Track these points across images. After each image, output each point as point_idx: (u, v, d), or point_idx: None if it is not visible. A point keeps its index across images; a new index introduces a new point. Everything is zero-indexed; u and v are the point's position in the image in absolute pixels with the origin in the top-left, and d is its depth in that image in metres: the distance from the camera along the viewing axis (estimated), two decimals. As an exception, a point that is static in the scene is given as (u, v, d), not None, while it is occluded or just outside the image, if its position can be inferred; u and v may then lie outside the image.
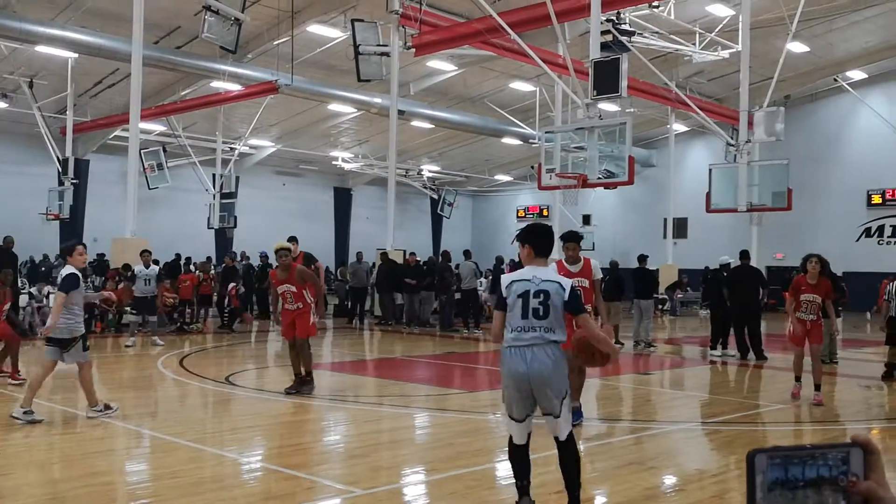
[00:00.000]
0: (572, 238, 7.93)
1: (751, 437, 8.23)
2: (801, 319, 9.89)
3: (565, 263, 7.75)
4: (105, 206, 28.86)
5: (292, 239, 14.86)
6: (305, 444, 7.52)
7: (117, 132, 28.76)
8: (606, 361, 5.21)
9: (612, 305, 17.10)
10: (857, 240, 31.88)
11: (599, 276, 7.89)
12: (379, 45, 20.81)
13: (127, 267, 17.66)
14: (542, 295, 4.78)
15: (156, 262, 17.02)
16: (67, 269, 8.09)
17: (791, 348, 10.36)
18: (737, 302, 14.66)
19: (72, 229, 29.70)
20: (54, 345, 8.02)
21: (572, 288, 4.91)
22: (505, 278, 5.01)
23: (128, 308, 17.63)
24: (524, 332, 4.78)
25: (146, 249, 15.87)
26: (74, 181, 26.63)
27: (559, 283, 4.88)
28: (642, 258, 16.94)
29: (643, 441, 7.88)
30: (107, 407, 8.21)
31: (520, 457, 4.94)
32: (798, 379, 10.17)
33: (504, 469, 6.81)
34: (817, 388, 9.83)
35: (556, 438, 4.89)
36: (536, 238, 5.05)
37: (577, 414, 7.82)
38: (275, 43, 22.65)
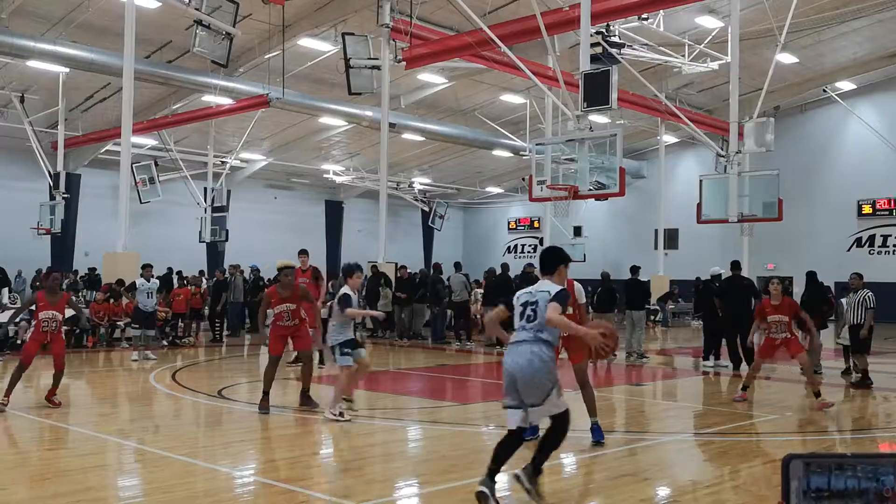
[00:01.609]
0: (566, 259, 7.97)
1: (744, 448, 8.24)
2: (771, 338, 10.44)
3: None
4: (96, 221, 28.78)
5: (303, 252, 14.89)
6: (298, 458, 7.49)
7: (109, 146, 28.74)
8: (601, 350, 5.60)
9: (605, 317, 17.14)
10: (849, 250, 32.03)
11: (583, 300, 8.03)
12: (369, 59, 20.88)
13: (121, 282, 17.64)
14: (535, 303, 5.55)
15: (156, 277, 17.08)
16: (345, 290, 9.25)
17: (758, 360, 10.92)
18: (729, 312, 14.68)
19: (63, 244, 29.64)
20: (346, 355, 9.20)
21: (559, 290, 5.55)
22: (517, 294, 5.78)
23: (124, 323, 17.62)
24: (518, 333, 5.57)
25: (148, 264, 15.93)
26: (66, 195, 26.57)
27: (548, 290, 5.56)
28: (634, 269, 16.99)
29: (637, 453, 7.88)
30: (341, 415, 8.99)
31: (504, 442, 5.56)
32: (745, 388, 10.89)
33: (499, 481, 6.81)
34: (816, 395, 10.14)
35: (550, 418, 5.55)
36: (540, 259, 6.01)
37: (597, 431, 7.90)
38: (266, 57, 22.70)
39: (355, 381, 9.90)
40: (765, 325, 10.57)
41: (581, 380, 7.96)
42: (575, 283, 7.78)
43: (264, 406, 9.41)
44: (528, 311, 5.52)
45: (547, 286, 5.59)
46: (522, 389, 5.40)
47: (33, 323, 9.96)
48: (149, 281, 15.59)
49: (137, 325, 15.66)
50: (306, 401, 9.79)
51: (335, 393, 9.19)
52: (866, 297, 12.37)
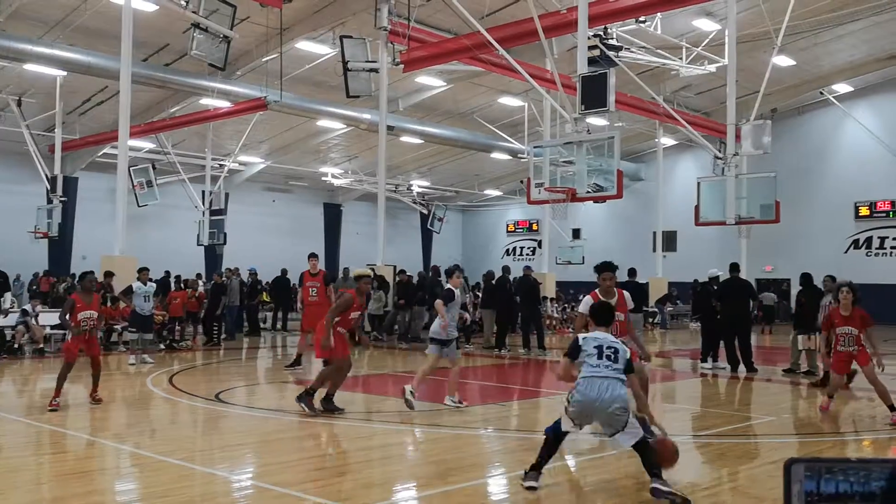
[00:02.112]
0: (608, 268, 8.19)
1: (742, 450, 8.24)
2: (840, 352, 9.73)
3: (600, 296, 8.00)
4: (94, 224, 28.77)
5: (313, 255, 14.97)
6: (296, 461, 7.47)
7: (106, 150, 28.72)
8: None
9: None
10: (846, 252, 32.06)
11: (632, 306, 8.33)
12: (367, 62, 20.88)
13: (109, 274, 17.51)
14: (614, 348, 6.19)
15: (152, 280, 17.05)
16: (448, 286, 10.33)
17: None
18: (728, 314, 14.68)
19: (61, 247, 29.61)
20: (436, 344, 10.16)
21: (629, 359, 6.22)
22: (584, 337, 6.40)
23: (121, 326, 17.58)
24: (600, 369, 6.09)
25: (144, 267, 15.87)
26: (63, 199, 26.54)
27: (625, 348, 6.32)
28: (632, 272, 16.96)
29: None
30: (461, 401, 10.14)
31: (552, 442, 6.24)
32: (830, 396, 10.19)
33: (495, 484, 6.80)
34: (891, 407, 9.48)
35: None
36: (600, 313, 6.66)
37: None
38: (264, 60, 22.71)
39: (456, 379, 10.62)
40: (833, 336, 9.80)
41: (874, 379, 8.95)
42: (624, 291, 8.35)
43: (311, 406, 9.49)
44: (608, 352, 6.14)
45: (617, 341, 6.33)
46: (603, 419, 6.04)
47: (71, 324, 10.17)
48: (146, 284, 15.56)
49: (135, 329, 15.60)
50: (329, 406, 9.67)
51: (451, 384, 10.41)
52: None
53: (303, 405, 9.42)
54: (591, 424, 6.32)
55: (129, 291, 16.00)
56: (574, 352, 6.23)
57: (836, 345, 9.75)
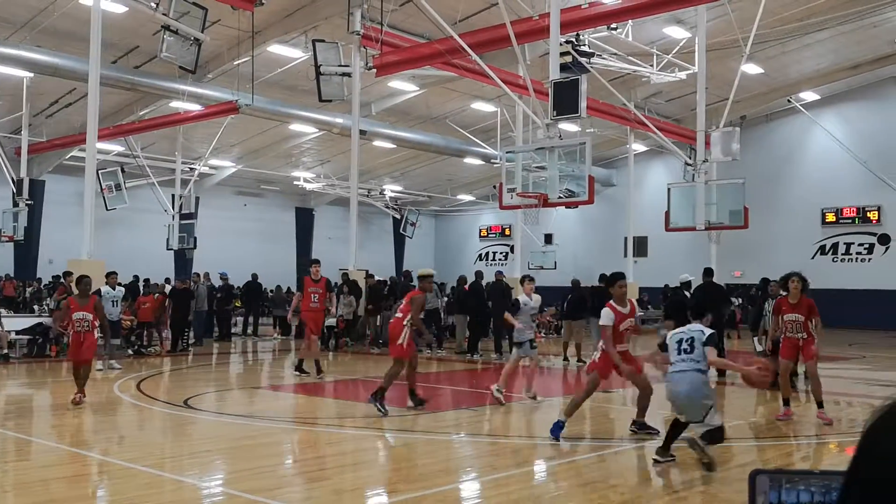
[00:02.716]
0: (622, 276, 8.69)
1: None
2: (789, 338, 10.07)
3: (616, 306, 8.40)
4: (61, 228, 28.36)
5: (316, 262, 14.96)
6: (266, 468, 7.41)
7: (74, 152, 28.35)
8: (760, 384, 7.55)
9: (576, 324, 17.23)
10: (813, 257, 32.50)
11: (641, 312, 8.80)
12: (340, 66, 20.81)
13: (68, 274, 17.25)
14: (690, 339, 7.02)
15: (121, 285, 16.84)
16: (520, 297, 11.81)
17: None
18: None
19: (27, 251, 29.17)
20: (516, 346, 11.57)
21: (711, 333, 7.07)
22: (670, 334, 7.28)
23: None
24: (678, 364, 6.98)
25: (112, 271, 15.68)
26: (29, 202, 26.15)
27: (701, 330, 7.07)
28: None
29: (605, 459, 7.91)
30: (535, 396, 11.31)
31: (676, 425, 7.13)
32: (787, 403, 10.25)
33: (467, 489, 6.79)
34: (819, 405, 9.93)
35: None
36: (685, 307, 7.79)
37: (556, 429, 8.38)
38: (235, 63, 22.54)
39: (532, 378, 11.73)
40: (782, 324, 10.09)
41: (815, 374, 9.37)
42: (634, 301, 8.78)
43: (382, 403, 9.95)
44: (685, 346, 6.92)
45: (698, 328, 7.07)
46: (685, 410, 6.82)
47: (66, 325, 10.82)
48: (114, 289, 15.38)
49: (102, 335, 15.36)
50: (416, 400, 10.67)
51: (528, 380, 11.60)
52: None
53: (377, 405, 9.84)
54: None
55: (97, 295, 15.76)
56: (664, 347, 7.20)
57: (784, 332, 10.02)
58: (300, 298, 15.04)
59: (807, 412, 10.60)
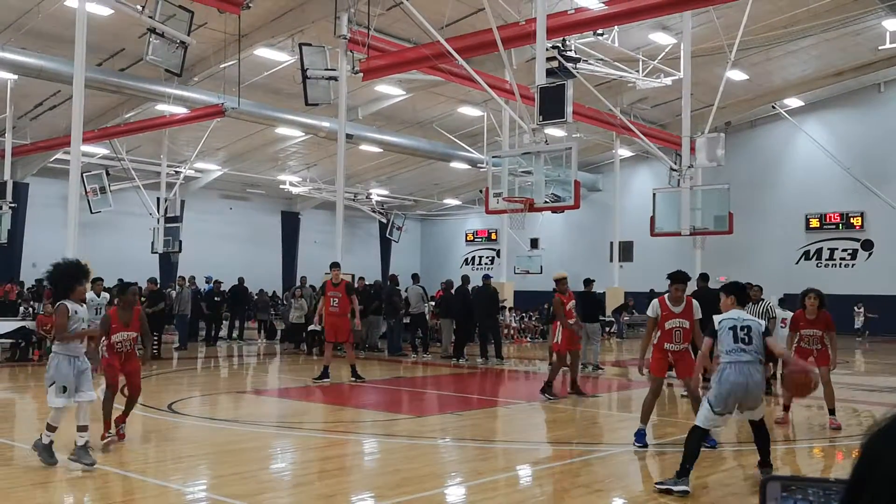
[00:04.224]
0: (680, 279, 8.49)
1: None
2: (803, 348, 10.08)
3: (668, 303, 8.37)
4: (45, 231, 28.17)
5: (336, 265, 14.67)
6: (250, 473, 7.38)
7: (58, 155, 28.18)
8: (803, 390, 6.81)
9: (591, 327, 17.03)
10: (797, 263, 32.73)
11: (699, 316, 8.46)
12: (327, 70, 20.79)
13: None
14: (747, 328, 6.70)
15: (107, 290, 16.38)
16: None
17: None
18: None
19: (10, 254, 28.95)
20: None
21: (766, 326, 6.98)
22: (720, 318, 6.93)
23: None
24: (738, 354, 6.62)
25: (98, 277, 14.81)
26: (13, 205, 25.98)
27: (758, 322, 6.92)
28: (588, 282, 17.07)
29: (591, 464, 7.92)
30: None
31: (695, 439, 6.67)
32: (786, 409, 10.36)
33: (452, 494, 6.78)
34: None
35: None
36: (734, 289, 7.23)
37: (639, 436, 8.33)
38: (221, 66, 22.46)
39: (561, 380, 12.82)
40: (798, 339, 10.12)
41: (693, 395, 8.34)
42: (693, 301, 8.57)
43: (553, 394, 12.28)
44: (742, 335, 6.63)
45: (751, 317, 6.93)
46: (747, 399, 6.63)
47: (105, 344, 8.57)
48: (99, 296, 14.63)
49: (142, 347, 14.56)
50: (576, 390, 12.50)
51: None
52: (768, 307, 12.56)
53: (546, 395, 12.09)
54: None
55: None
56: (714, 332, 6.86)
57: (798, 343, 10.06)
58: (322, 303, 14.84)
59: (795, 416, 10.66)
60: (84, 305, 7.73)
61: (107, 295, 15.26)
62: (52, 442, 7.16)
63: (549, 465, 7.86)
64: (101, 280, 15.01)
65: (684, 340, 8.39)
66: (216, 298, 22.94)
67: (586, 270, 20.52)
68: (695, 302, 8.56)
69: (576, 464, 7.94)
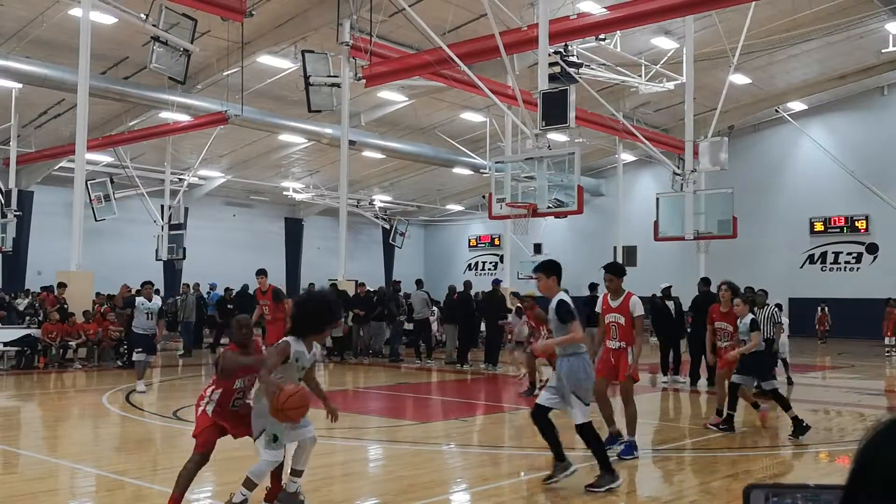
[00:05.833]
0: (610, 270, 8.28)
1: (701, 464, 8.31)
2: (720, 348, 10.39)
3: (609, 297, 8.23)
4: (50, 239, 28.25)
5: (262, 272, 14.58)
6: (255, 480, 7.36)
7: (63, 163, 28.28)
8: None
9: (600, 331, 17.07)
10: (802, 266, 32.66)
11: (639, 312, 8.02)
12: (329, 76, 20.85)
13: (63, 285, 17.00)
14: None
15: (157, 293, 15.07)
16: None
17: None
18: (698, 329, 14.62)
19: (15, 262, 29.03)
20: None
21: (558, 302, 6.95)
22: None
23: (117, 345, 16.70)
24: None
25: (148, 281, 13.85)
26: (18, 213, 26.06)
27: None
28: (592, 286, 17.09)
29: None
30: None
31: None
32: (720, 413, 10.28)
33: (457, 501, 6.78)
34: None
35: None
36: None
37: (628, 448, 8.04)
38: (224, 74, 22.55)
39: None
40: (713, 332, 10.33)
41: (626, 397, 8.19)
42: (633, 295, 8.15)
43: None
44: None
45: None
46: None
47: (216, 393, 6.19)
48: (150, 300, 13.39)
49: (141, 350, 13.24)
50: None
51: None
52: (773, 312, 12.51)
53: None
54: None
55: (130, 304, 14.45)
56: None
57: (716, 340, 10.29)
58: (257, 312, 14.69)
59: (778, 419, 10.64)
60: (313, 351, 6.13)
61: (158, 300, 14.01)
62: (244, 500, 5.80)
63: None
64: (151, 284, 13.86)
65: (621, 338, 8.04)
66: (229, 306, 22.83)
67: (590, 275, 20.48)
68: (634, 297, 8.11)
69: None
